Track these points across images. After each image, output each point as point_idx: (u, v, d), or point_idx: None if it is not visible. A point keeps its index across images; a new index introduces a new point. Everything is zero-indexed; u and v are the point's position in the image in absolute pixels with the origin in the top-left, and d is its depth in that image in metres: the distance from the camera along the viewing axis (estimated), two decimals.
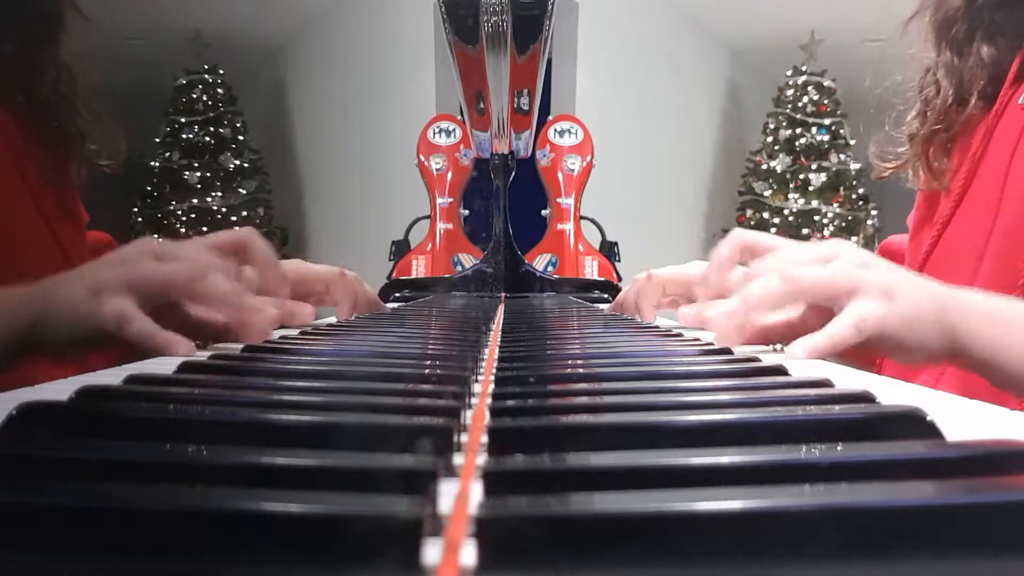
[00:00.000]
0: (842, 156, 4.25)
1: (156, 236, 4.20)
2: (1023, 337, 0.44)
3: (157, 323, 0.45)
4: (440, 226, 1.48)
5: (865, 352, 0.46)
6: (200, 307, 0.50)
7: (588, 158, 1.57)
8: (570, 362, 0.38)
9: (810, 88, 4.23)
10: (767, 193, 4.28)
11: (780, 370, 0.32)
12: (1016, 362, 0.44)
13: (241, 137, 4.40)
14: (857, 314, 0.43)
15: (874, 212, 4.21)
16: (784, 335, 0.53)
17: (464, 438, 0.22)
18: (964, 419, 0.26)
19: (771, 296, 0.47)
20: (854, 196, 4.22)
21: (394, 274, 1.45)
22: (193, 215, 4.27)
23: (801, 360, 0.43)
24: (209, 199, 4.28)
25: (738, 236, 0.55)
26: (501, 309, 0.79)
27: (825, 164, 4.23)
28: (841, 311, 0.45)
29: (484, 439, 0.21)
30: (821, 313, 0.48)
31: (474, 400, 0.28)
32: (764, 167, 4.30)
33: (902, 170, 0.72)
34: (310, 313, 0.59)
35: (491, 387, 0.29)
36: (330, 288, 0.69)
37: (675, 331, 0.56)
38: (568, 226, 1.51)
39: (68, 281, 0.47)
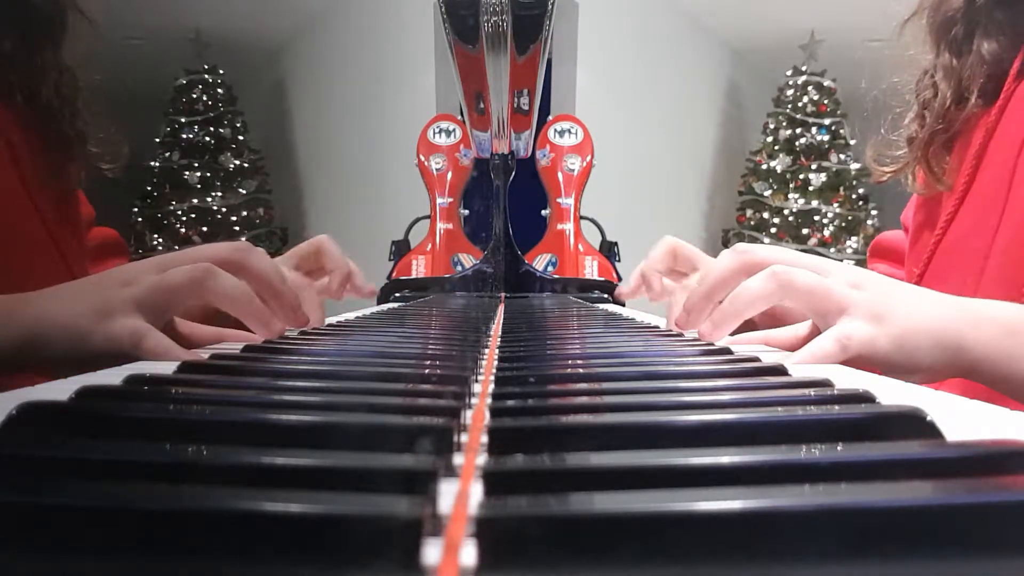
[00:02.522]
0: (842, 156, 4.25)
1: (156, 236, 4.21)
2: None
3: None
4: (440, 226, 1.48)
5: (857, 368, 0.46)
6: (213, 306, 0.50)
7: (588, 158, 1.57)
8: (570, 362, 0.38)
9: (810, 88, 4.23)
10: (767, 193, 4.28)
11: (780, 370, 0.32)
12: None
13: (241, 137, 4.40)
14: (843, 332, 0.43)
15: (874, 212, 4.21)
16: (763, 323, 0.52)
17: (464, 438, 0.22)
18: (964, 419, 0.26)
19: (763, 296, 0.47)
20: (854, 196, 4.22)
21: (394, 274, 1.45)
22: (193, 215, 4.27)
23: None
24: (209, 199, 4.28)
25: (740, 254, 0.52)
26: (501, 309, 0.79)
27: (825, 164, 4.23)
28: (827, 328, 0.45)
29: (484, 439, 0.21)
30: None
31: (474, 400, 0.28)
32: (764, 167, 4.30)
33: (901, 173, 0.72)
34: (318, 305, 0.59)
35: (491, 387, 0.29)
36: (321, 256, 0.70)
37: (675, 331, 0.56)
38: (568, 226, 1.51)
39: (67, 298, 0.46)
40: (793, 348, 0.48)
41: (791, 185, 4.25)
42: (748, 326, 0.63)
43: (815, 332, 0.50)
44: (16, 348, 0.44)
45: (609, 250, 1.54)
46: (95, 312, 0.44)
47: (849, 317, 0.44)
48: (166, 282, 0.46)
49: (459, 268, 1.39)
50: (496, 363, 0.35)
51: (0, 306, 0.45)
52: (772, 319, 0.61)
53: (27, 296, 0.46)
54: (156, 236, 4.24)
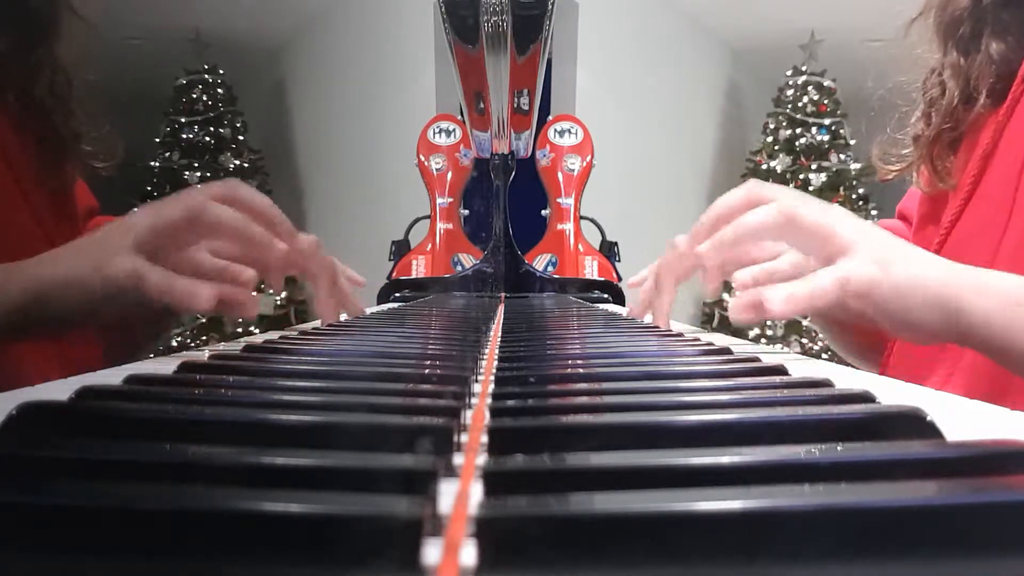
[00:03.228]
0: (842, 156, 4.24)
1: None
2: None
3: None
4: (440, 226, 1.48)
5: (868, 330, 0.44)
6: (209, 247, 0.49)
7: (588, 158, 1.57)
8: (570, 362, 0.38)
9: (810, 88, 4.23)
10: None
11: (780, 370, 0.32)
12: None
13: (241, 137, 4.40)
14: (843, 272, 0.42)
15: (874, 212, 4.21)
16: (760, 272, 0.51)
17: (464, 438, 0.22)
18: (964, 419, 0.26)
19: (767, 226, 0.46)
20: (854, 196, 4.22)
21: (394, 274, 1.45)
22: None
23: (781, 307, 0.42)
24: None
25: (751, 188, 0.51)
26: (501, 309, 0.79)
27: (825, 164, 4.23)
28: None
29: (484, 439, 0.21)
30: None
31: (474, 400, 0.28)
32: (764, 167, 4.30)
33: (906, 172, 0.72)
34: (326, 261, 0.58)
35: (491, 387, 0.29)
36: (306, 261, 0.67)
37: (675, 331, 0.56)
38: (568, 226, 1.51)
39: (68, 254, 0.46)
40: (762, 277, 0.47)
41: (791, 185, 4.25)
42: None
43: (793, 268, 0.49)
44: (21, 310, 0.44)
45: (609, 250, 1.54)
46: (93, 261, 0.44)
47: (851, 258, 0.43)
48: (160, 218, 0.46)
49: (459, 268, 1.39)
50: (496, 363, 0.35)
51: (3, 272, 0.45)
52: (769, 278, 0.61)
53: (26, 260, 0.46)
54: None
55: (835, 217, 0.45)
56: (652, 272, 0.69)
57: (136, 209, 0.49)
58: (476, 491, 0.17)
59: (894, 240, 0.46)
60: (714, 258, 0.48)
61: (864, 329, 0.45)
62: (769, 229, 0.46)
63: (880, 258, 0.43)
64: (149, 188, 4.31)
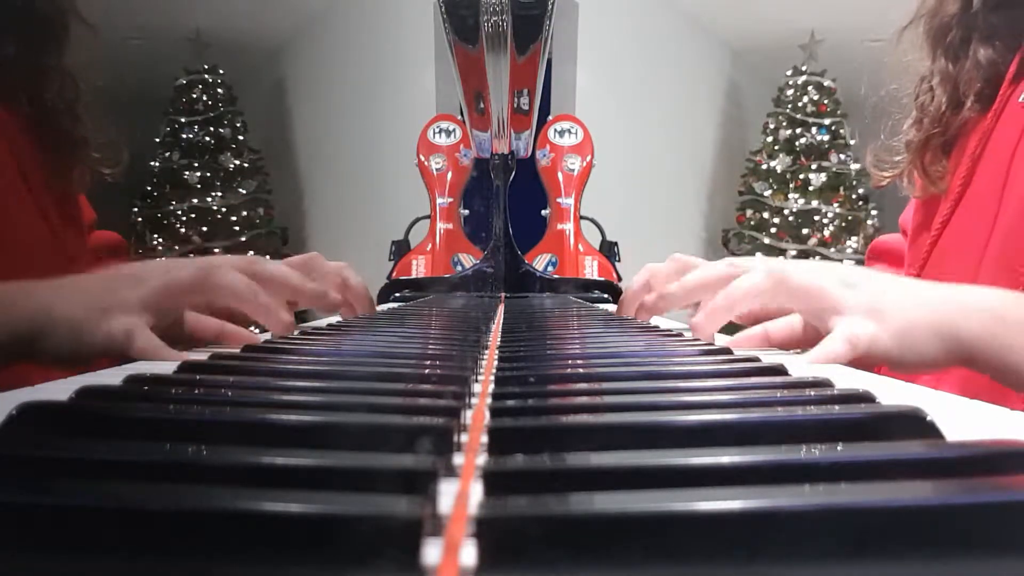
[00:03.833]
0: (842, 156, 4.24)
1: (156, 236, 4.21)
2: None
3: (168, 339, 0.45)
4: (440, 226, 1.48)
5: (864, 364, 0.46)
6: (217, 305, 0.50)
7: (588, 158, 1.57)
8: (570, 362, 0.38)
9: (810, 88, 4.23)
10: (767, 193, 4.28)
11: (780, 370, 0.32)
12: None
13: (241, 137, 4.40)
14: (849, 331, 0.43)
15: (874, 212, 4.21)
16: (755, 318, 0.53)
17: (464, 438, 0.22)
18: (964, 419, 0.26)
19: (758, 290, 0.47)
20: (854, 196, 4.22)
21: (394, 274, 1.45)
22: (193, 215, 4.27)
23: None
24: (209, 199, 4.28)
25: (731, 263, 0.54)
26: (501, 309, 0.79)
27: (825, 164, 4.23)
28: (826, 329, 0.45)
29: (484, 439, 0.21)
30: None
31: (474, 400, 0.28)
32: (764, 167, 4.30)
33: (899, 178, 0.72)
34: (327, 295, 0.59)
35: (491, 387, 0.29)
36: (313, 272, 0.68)
37: (675, 331, 0.56)
38: (568, 226, 1.51)
39: (75, 294, 0.46)
40: (790, 343, 0.48)
41: (791, 185, 4.25)
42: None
43: (810, 324, 0.50)
44: (16, 338, 0.44)
45: (609, 250, 1.54)
46: (98, 310, 0.44)
47: (845, 316, 0.44)
48: (171, 280, 0.47)
49: (459, 268, 1.39)
50: (496, 363, 0.35)
51: (4, 294, 0.45)
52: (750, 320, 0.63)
53: (32, 285, 0.46)
54: (156, 236, 4.24)
55: (822, 276, 0.47)
56: (646, 271, 0.69)
57: (150, 263, 0.50)
58: (476, 491, 0.17)
59: (878, 283, 0.47)
60: (708, 328, 0.50)
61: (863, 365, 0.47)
62: (761, 292, 0.47)
63: (872, 310, 0.44)
64: (149, 188, 4.31)
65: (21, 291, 0.46)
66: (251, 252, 4.11)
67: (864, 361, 0.44)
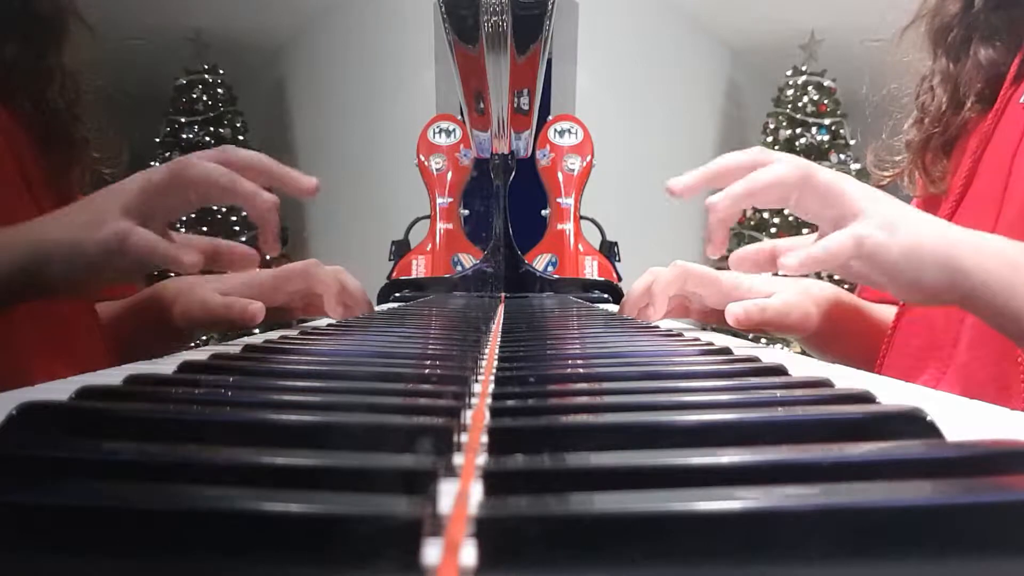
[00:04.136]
0: (842, 156, 4.24)
1: None
2: None
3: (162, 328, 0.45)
4: (440, 226, 1.48)
5: (860, 344, 0.46)
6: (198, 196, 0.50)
7: (588, 158, 1.57)
8: (570, 362, 0.38)
9: (810, 88, 4.23)
10: None
11: (780, 370, 0.32)
12: None
13: (241, 137, 4.39)
14: (859, 231, 0.43)
15: None
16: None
17: (464, 438, 0.22)
18: (964, 419, 0.26)
19: (783, 181, 0.47)
20: None
21: (394, 274, 1.45)
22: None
23: (796, 273, 0.43)
24: None
25: (759, 152, 0.53)
26: (501, 309, 0.79)
27: (825, 164, 4.23)
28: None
29: (484, 439, 0.21)
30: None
31: (474, 400, 0.28)
32: None
33: (900, 177, 0.73)
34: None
35: (491, 387, 0.29)
36: (310, 280, 0.68)
37: (675, 331, 0.56)
38: (568, 226, 1.51)
39: (62, 218, 0.47)
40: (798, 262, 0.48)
41: None
42: (680, 313, 0.70)
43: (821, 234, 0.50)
44: (18, 271, 0.45)
45: (609, 250, 1.54)
46: (86, 224, 0.46)
47: (861, 221, 0.44)
48: (148, 182, 0.48)
49: (459, 268, 1.39)
50: (496, 363, 0.35)
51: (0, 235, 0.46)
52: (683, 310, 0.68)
53: (19, 226, 0.48)
54: None
55: (846, 181, 0.47)
56: (650, 274, 0.69)
57: (132, 176, 0.50)
58: (476, 491, 0.17)
59: (900, 205, 0.47)
60: (725, 208, 0.49)
61: (856, 344, 0.47)
62: (785, 184, 0.47)
63: (887, 223, 0.44)
64: None
65: (16, 228, 0.47)
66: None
67: (869, 274, 0.44)
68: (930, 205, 0.70)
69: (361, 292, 0.70)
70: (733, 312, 0.62)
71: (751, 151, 0.53)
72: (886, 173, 0.74)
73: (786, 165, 0.47)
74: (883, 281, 0.46)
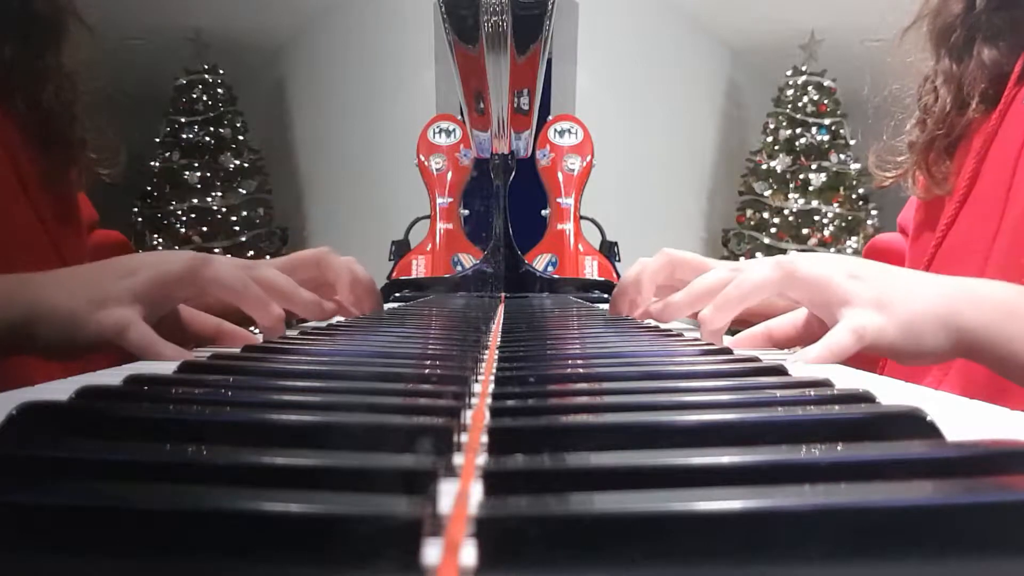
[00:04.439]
0: (842, 156, 4.24)
1: (156, 236, 4.21)
2: None
3: (165, 335, 0.45)
4: (440, 226, 1.48)
5: (868, 357, 0.46)
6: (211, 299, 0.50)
7: (588, 158, 1.57)
8: (570, 362, 0.38)
9: (810, 88, 4.23)
10: (767, 193, 4.28)
11: (780, 370, 0.32)
12: None
13: (241, 137, 4.39)
14: (856, 323, 0.43)
15: (874, 212, 4.21)
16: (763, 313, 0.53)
17: (464, 438, 0.22)
18: (964, 419, 0.26)
19: (769, 281, 0.47)
20: (854, 196, 4.22)
21: (394, 274, 1.45)
22: (193, 215, 4.27)
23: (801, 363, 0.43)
24: (209, 199, 4.28)
25: (733, 268, 0.54)
26: (501, 309, 0.79)
27: (825, 164, 4.23)
28: (833, 321, 0.45)
29: (484, 439, 0.21)
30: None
31: (474, 400, 0.28)
32: (764, 167, 4.30)
33: (902, 179, 0.72)
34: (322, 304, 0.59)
35: (491, 387, 0.29)
36: (322, 267, 0.67)
37: (675, 331, 0.56)
38: (568, 226, 1.51)
39: (66, 284, 0.46)
40: (795, 340, 0.48)
41: (791, 185, 4.25)
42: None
43: (812, 318, 0.51)
44: (10, 329, 0.44)
45: (609, 250, 1.54)
46: (91, 301, 0.44)
47: (852, 307, 0.44)
48: (163, 271, 0.47)
49: (459, 268, 1.39)
50: (496, 363, 0.35)
51: (4, 285, 0.45)
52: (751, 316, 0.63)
53: (26, 277, 0.46)
54: (156, 236, 4.24)
55: (828, 266, 0.47)
56: (639, 264, 0.69)
57: (143, 255, 0.50)
58: (476, 491, 0.17)
59: (885, 274, 0.47)
60: (716, 322, 0.50)
61: (859, 358, 0.47)
62: (769, 284, 0.48)
63: (878, 302, 0.44)
64: (149, 188, 4.31)
65: (13, 282, 0.46)
66: (251, 252, 4.11)
67: (870, 353, 0.44)
68: (931, 204, 0.70)
69: (371, 284, 0.70)
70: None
71: (720, 270, 0.54)
72: (888, 174, 0.73)
73: (766, 267, 0.48)
74: (888, 356, 0.46)
